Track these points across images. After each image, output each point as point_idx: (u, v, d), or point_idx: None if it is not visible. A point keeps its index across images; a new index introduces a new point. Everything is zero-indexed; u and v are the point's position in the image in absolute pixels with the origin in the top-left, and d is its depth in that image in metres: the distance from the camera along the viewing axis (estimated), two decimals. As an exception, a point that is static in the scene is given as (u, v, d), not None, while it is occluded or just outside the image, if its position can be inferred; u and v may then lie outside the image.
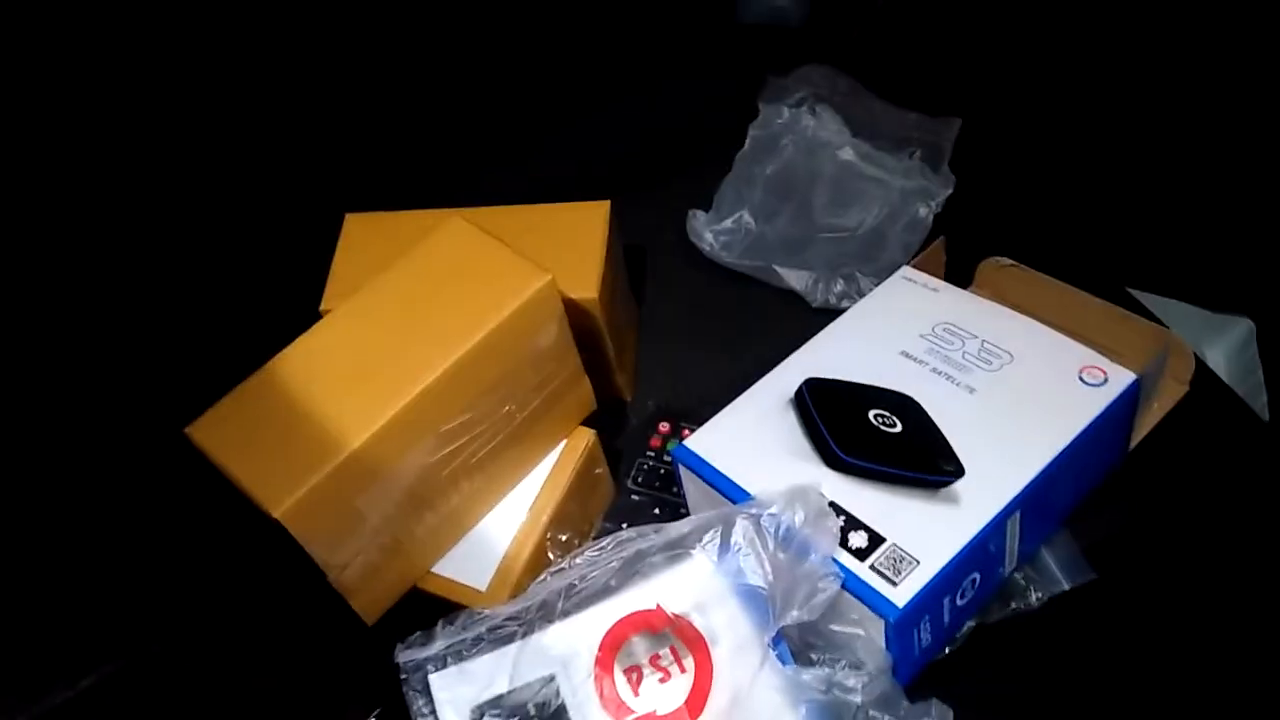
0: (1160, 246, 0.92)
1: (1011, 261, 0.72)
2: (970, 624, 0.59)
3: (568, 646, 0.56)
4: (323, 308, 0.68)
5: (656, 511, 0.69)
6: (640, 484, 0.71)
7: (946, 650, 0.59)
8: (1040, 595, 0.60)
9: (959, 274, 0.73)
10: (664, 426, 0.73)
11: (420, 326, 0.56)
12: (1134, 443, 0.65)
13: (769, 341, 0.67)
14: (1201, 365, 0.66)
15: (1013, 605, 0.60)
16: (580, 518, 0.67)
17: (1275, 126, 0.86)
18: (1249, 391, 1.04)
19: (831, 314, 0.69)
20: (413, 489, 0.57)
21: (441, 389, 0.55)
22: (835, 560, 0.53)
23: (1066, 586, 0.60)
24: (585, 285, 0.66)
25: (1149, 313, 0.75)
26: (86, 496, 0.57)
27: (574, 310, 0.65)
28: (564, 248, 0.67)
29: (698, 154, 0.87)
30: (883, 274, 0.72)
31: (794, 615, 0.52)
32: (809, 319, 0.69)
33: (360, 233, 0.72)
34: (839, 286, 0.77)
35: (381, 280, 0.59)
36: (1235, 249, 0.93)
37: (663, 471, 0.71)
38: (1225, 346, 1.03)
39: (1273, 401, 1.03)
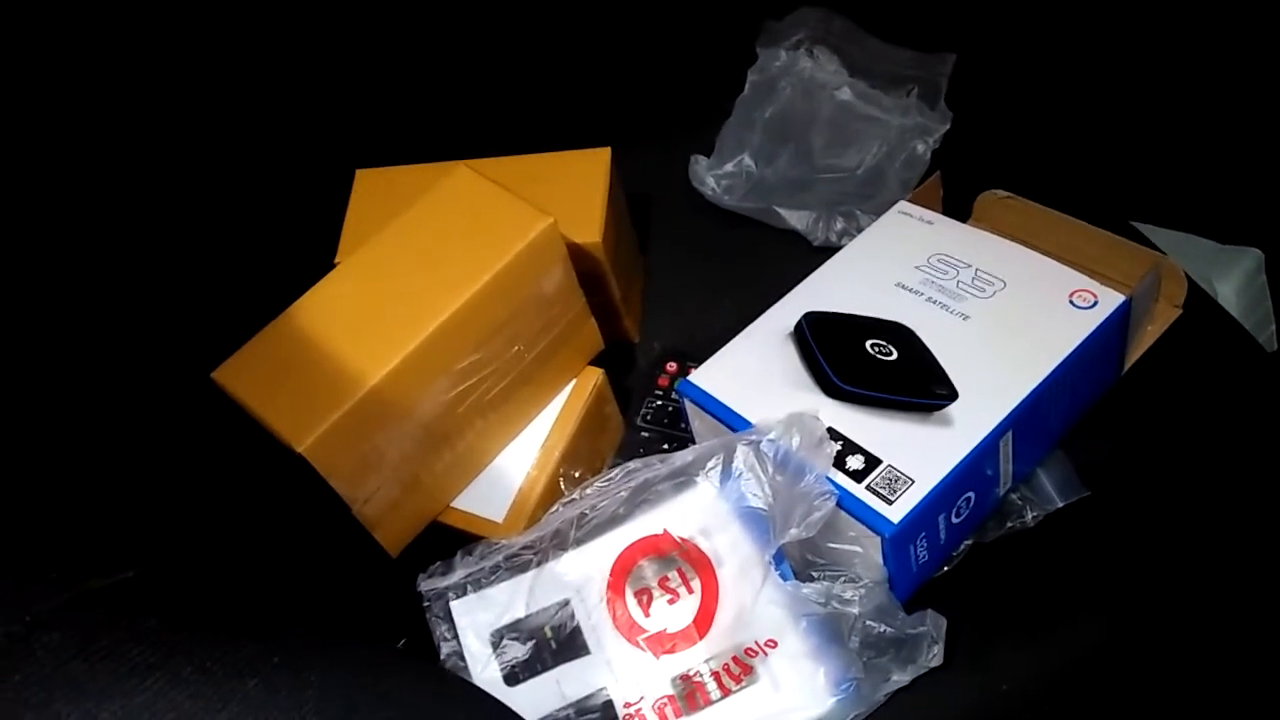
0: (1164, 179, 0.92)
1: (1007, 194, 0.73)
2: (968, 543, 0.61)
3: (581, 572, 0.60)
4: (337, 260, 0.70)
5: (665, 447, 0.71)
6: (649, 421, 0.73)
7: (945, 569, 0.61)
8: (1036, 514, 0.62)
9: (959, 208, 0.74)
10: (671, 366, 0.76)
11: (430, 270, 0.58)
12: (1128, 365, 0.66)
13: (772, 281, 0.68)
14: (1195, 288, 0.67)
15: (1009, 524, 0.62)
16: (592, 454, 0.70)
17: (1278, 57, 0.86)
18: (1259, 321, 1.05)
19: (832, 252, 0.70)
20: (429, 426, 0.60)
21: (452, 329, 0.57)
22: (832, 480, 0.55)
23: (1060, 504, 0.62)
24: (589, 230, 0.68)
25: (1153, 245, 0.76)
26: (122, 438, 0.60)
27: (578, 254, 0.67)
28: (567, 194, 0.68)
29: (699, 101, 0.88)
30: (881, 211, 0.73)
31: (793, 533, 0.54)
32: (810, 257, 0.71)
33: (371, 187, 0.75)
34: (839, 225, 0.78)
35: (392, 228, 0.61)
36: (1241, 180, 0.93)
37: (671, 409, 0.73)
38: (1235, 277, 1.04)
39: (1281, 330, 1.03)
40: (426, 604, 0.60)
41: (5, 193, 0.64)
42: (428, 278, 0.58)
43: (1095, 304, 0.61)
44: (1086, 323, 0.60)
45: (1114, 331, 0.61)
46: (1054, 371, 0.58)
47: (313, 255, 0.70)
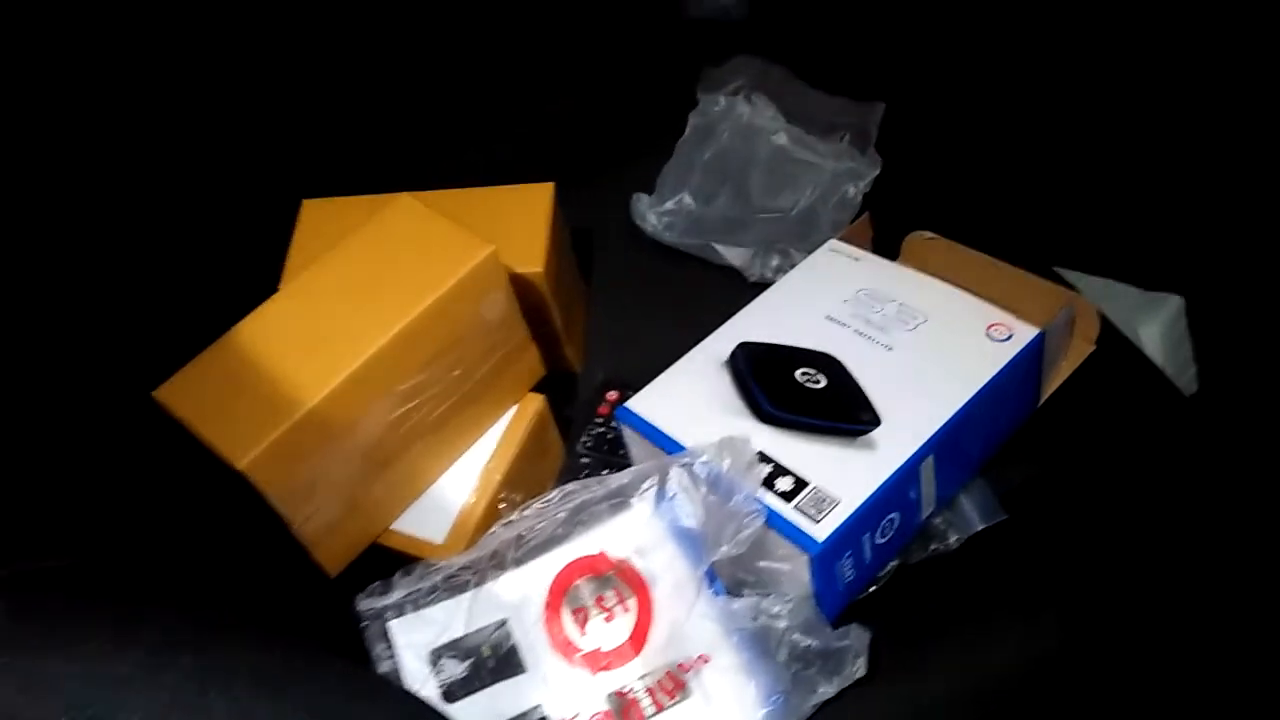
0: (1085, 226, 0.97)
1: (933, 235, 0.77)
2: (894, 564, 0.64)
3: (518, 593, 0.60)
4: (280, 287, 0.71)
5: (605, 473, 0.72)
6: (590, 448, 0.75)
7: (872, 589, 0.63)
8: (958, 537, 0.65)
9: (889, 248, 0.78)
10: (612, 395, 0.78)
11: (372, 295, 0.60)
12: (1044, 397, 0.70)
13: (709, 314, 0.71)
14: (1108, 325, 0.71)
15: (933, 546, 0.65)
16: (532, 479, 0.71)
17: (1197, 109, 0.91)
18: (1180, 364, 1.10)
19: (766, 288, 0.73)
20: (370, 448, 0.61)
21: (392, 352, 0.59)
22: (761, 501, 0.57)
23: (980, 527, 0.65)
24: (531, 260, 0.70)
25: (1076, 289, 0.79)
26: (65, 452, 0.61)
27: (521, 284, 0.69)
28: (511, 226, 0.71)
29: (641, 142, 0.92)
30: (814, 250, 0.76)
31: (724, 550, 0.56)
32: (746, 293, 0.73)
33: (316, 217, 0.76)
34: (774, 262, 0.82)
35: (335, 253, 0.63)
36: (1161, 229, 0.98)
37: (611, 436, 0.75)
38: (1158, 322, 1.09)
39: (1201, 372, 1.08)
40: (364, 624, 0.60)
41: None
42: (370, 302, 0.60)
43: (1010, 337, 0.64)
44: (1002, 354, 0.63)
45: (1028, 363, 0.65)
46: (972, 399, 0.61)
47: (258, 282, 0.71)
